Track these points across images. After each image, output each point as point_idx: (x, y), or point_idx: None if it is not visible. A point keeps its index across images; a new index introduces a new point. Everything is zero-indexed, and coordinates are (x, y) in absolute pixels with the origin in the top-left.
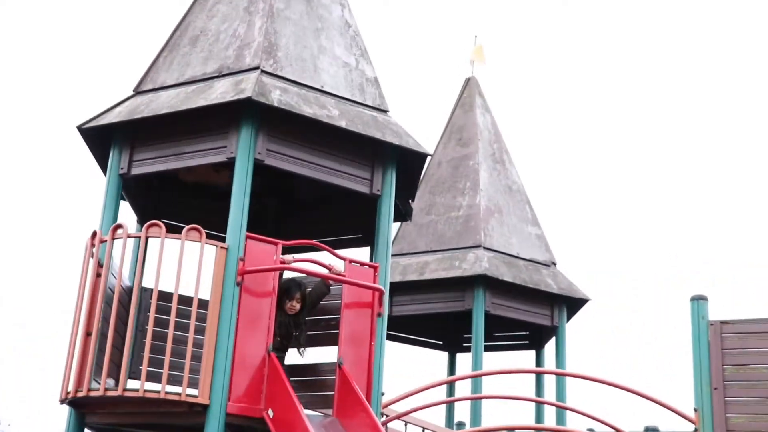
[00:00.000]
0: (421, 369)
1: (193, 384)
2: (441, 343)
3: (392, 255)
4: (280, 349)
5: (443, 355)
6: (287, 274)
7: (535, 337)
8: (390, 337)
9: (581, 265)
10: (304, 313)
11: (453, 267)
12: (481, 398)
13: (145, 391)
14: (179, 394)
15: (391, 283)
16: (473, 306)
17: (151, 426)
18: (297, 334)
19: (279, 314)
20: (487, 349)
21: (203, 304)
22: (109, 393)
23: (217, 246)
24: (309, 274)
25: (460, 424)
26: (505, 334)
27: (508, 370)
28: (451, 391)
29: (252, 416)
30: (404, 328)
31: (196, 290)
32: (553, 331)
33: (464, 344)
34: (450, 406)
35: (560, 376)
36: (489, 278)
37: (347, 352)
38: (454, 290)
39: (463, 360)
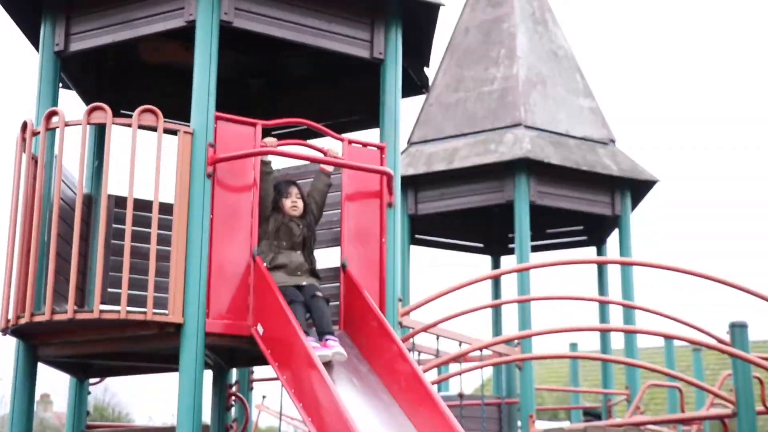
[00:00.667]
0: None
1: (162, 303)
2: (482, 245)
3: (415, 143)
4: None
5: (486, 260)
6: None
7: (594, 231)
8: (420, 242)
9: (645, 141)
10: (311, 217)
11: (488, 151)
12: (527, 300)
13: (101, 311)
14: (145, 313)
15: (416, 176)
16: (514, 197)
17: (120, 356)
18: (307, 238)
19: (280, 217)
20: (537, 249)
21: (168, 207)
22: (57, 317)
23: (179, 130)
24: (297, 158)
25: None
26: (557, 230)
27: (558, 261)
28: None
29: (238, 334)
30: (437, 230)
31: (156, 186)
32: (614, 221)
33: (510, 245)
34: (497, 316)
35: (625, 268)
36: (532, 162)
37: (352, 252)
38: (490, 179)
39: (512, 264)
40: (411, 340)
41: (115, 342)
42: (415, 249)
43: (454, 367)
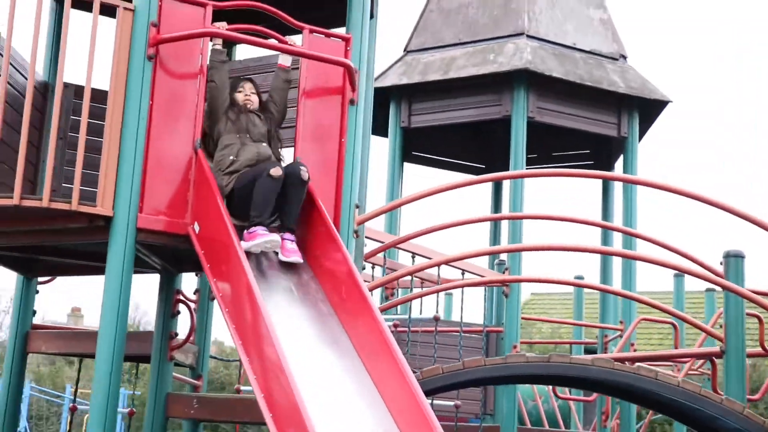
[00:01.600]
0: (462, 199)
1: (91, 196)
2: (483, 167)
3: (412, 51)
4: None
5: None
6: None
7: (601, 155)
8: (415, 159)
9: (658, 58)
10: (271, 114)
11: (486, 62)
12: (521, 218)
13: (22, 198)
14: (69, 203)
15: (410, 86)
16: (512, 111)
17: (69, 253)
18: (271, 130)
19: (240, 110)
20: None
21: (101, 94)
22: None
23: (119, 6)
24: (249, 43)
25: (501, 263)
26: (562, 153)
27: (541, 173)
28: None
29: (174, 233)
30: (435, 148)
31: (89, 70)
32: (621, 144)
33: None
34: (495, 237)
35: (628, 193)
36: (532, 74)
37: (308, 152)
38: (487, 92)
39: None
40: (383, 254)
41: (43, 234)
42: (413, 168)
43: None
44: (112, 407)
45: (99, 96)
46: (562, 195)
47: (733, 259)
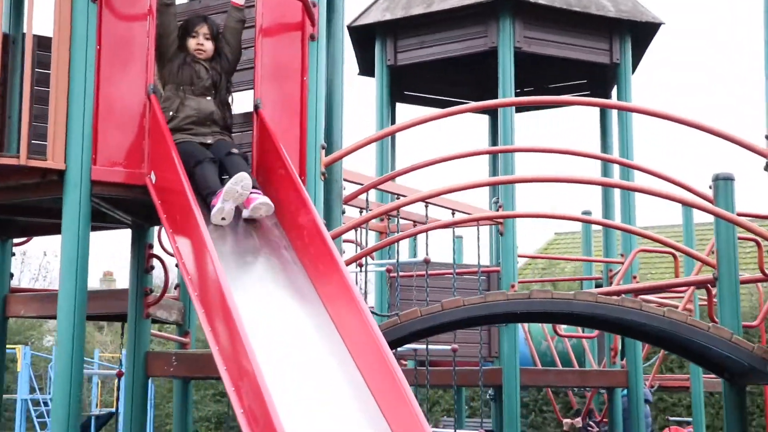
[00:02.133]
0: (461, 139)
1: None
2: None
3: None
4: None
5: (483, 119)
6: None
7: (597, 85)
8: (407, 98)
9: None
10: (224, 61)
11: None
12: (514, 151)
13: None
14: (17, 157)
15: (394, 21)
16: (498, 42)
17: (26, 210)
18: (218, 82)
19: (184, 57)
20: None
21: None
22: None
23: None
24: None
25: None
26: (555, 85)
27: (530, 100)
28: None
29: (132, 183)
30: (426, 85)
31: (30, 15)
32: (613, 71)
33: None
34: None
35: (624, 122)
36: (518, 2)
37: (269, 92)
38: (472, 24)
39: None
40: (365, 197)
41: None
42: (407, 108)
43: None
44: (76, 368)
45: (47, 43)
46: (558, 129)
47: (723, 182)
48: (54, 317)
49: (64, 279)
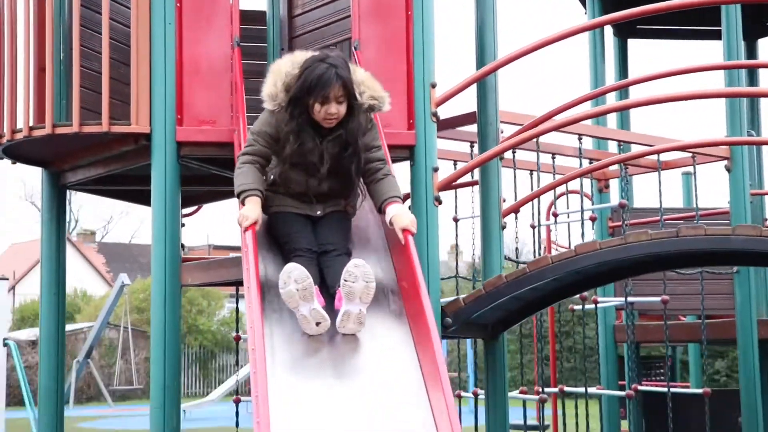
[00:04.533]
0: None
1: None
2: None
3: None
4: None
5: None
6: None
7: None
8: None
9: None
10: (353, 129)
11: None
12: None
13: (54, 125)
14: (100, 124)
15: None
16: None
17: (120, 178)
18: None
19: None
20: None
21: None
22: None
23: None
24: None
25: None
26: None
27: None
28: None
29: (220, 142)
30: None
31: None
32: None
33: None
34: None
35: None
36: None
37: (368, 33)
38: None
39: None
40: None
41: (104, 162)
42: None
43: None
44: (171, 332)
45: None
46: None
47: None
48: (219, 284)
49: (156, 245)
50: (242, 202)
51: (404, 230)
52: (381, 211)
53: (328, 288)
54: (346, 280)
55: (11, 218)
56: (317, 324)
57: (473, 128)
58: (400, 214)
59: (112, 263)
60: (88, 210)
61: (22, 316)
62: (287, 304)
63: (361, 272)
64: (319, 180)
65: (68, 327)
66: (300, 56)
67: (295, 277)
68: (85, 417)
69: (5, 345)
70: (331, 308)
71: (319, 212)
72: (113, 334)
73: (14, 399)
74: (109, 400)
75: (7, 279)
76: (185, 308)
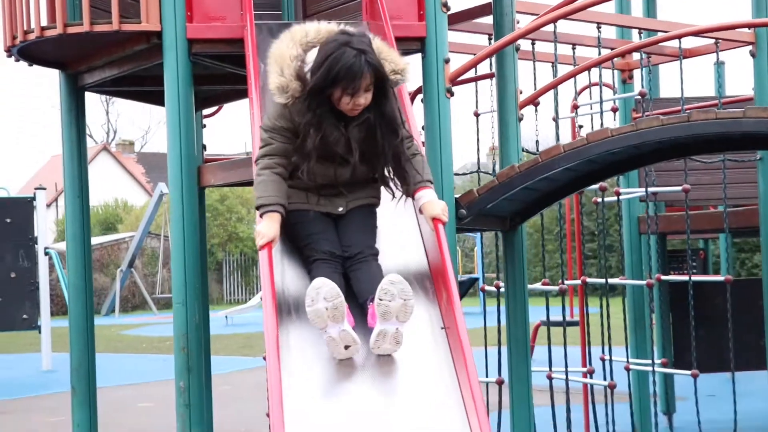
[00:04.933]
0: None
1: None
2: None
3: None
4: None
5: None
6: None
7: None
8: None
9: None
10: (378, 116)
11: None
12: None
13: (66, 25)
14: (110, 23)
15: None
16: None
17: (137, 79)
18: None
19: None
20: None
21: None
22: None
23: None
24: None
25: None
26: None
27: None
28: None
29: (232, 38)
30: None
31: None
32: None
33: None
34: None
35: None
36: None
37: None
38: None
39: None
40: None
41: (118, 63)
42: None
43: None
44: (190, 231)
45: None
46: None
47: None
48: (242, 184)
49: (171, 144)
50: (260, 216)
51: (435, 219)
52: (410, 194)
53: (354, 296)
54: (381, 299)
55: (54, 130)
56: (346, 348)
57: (490, 20)
58: (431, 201)
59: (151, 173)
60: (126, 120)
61: (64, 228)
62: (313, 324)
63: (398, 289)
64: (353, 167)
65: (110, 237)
66: (299, 33)
67: (324, 294)
68: (130, 325)
69: (47, 254)
70: (359, 324)
71: (341, 209)
72: (155, 243)
73: (61, 309)
74: (153, 308)
75: (45, 189)
76: (224, 216)
